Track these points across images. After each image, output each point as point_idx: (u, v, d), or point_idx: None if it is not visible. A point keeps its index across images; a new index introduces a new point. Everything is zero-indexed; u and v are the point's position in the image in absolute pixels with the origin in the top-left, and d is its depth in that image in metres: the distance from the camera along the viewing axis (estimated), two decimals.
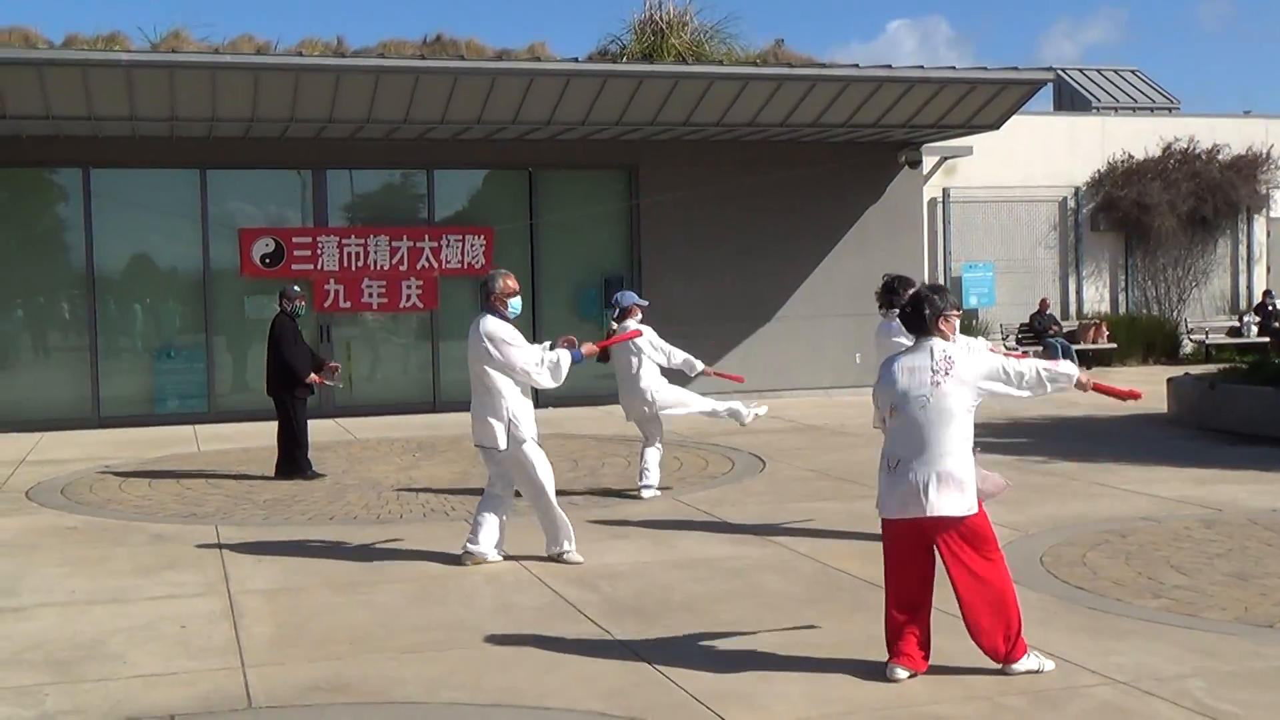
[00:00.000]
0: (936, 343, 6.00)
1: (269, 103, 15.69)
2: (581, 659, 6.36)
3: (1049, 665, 5.97)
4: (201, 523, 10.19)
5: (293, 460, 12.37)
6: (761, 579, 7.98)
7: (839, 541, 9.01)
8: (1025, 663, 5.92)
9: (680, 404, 11.30)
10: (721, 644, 6.57)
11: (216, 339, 17.82)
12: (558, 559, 8.54)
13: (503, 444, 8.39)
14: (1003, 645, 5.89)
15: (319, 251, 17.56)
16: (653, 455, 11.08)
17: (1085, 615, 6.96)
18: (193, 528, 9.98)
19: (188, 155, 17.25)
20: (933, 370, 5.90)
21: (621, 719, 5.48)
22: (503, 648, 6.60)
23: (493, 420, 8.38)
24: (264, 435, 15.38)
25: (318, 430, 14.77)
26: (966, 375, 5.91)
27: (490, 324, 8.43)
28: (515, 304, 8.59)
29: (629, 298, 11.29)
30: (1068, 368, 6.22)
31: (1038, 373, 6.05)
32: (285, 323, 12.45)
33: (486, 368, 8.38)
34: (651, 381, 11.07)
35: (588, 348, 8.74)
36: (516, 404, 8.42)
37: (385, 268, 17.81)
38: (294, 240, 17.52)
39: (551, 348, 8.58)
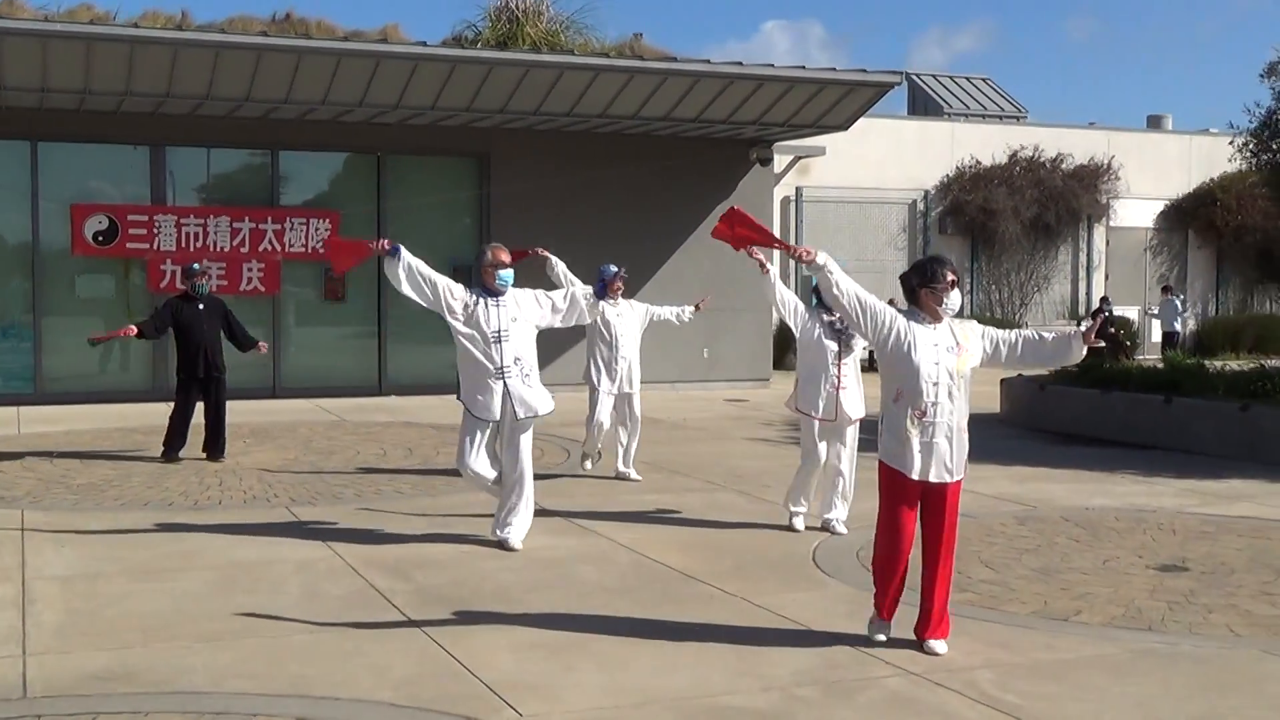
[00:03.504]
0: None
1: (103, 75, 15.15)
2: (381, 648, 6.23)
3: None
4: (7, 507, 9.77)
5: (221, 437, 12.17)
6: (577, 569, 7.93)
7: (662, 533, 9.00)
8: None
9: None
10: (526, 634, 6.49)
11: (46, 319, 17.16)
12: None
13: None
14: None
15: (155, 230, 17.04)
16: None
17: None
18: None
19: (17, 126, 16.56)
20: None
21: (408, 709, 5.38)
22: (302, 637, 6.44)
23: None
24: (89, 418, 14.94)
25: (151, 415, 14.38)
26: None
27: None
28: (505, 275, 8.77)
29: (609, 271, 10.81)
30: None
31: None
32: (218, 302, 12.34)
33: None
34: None
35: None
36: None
37: (225, 249, 17.35)
38: (129, 218, 16.98)
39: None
